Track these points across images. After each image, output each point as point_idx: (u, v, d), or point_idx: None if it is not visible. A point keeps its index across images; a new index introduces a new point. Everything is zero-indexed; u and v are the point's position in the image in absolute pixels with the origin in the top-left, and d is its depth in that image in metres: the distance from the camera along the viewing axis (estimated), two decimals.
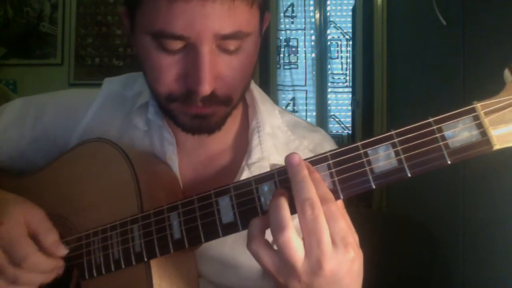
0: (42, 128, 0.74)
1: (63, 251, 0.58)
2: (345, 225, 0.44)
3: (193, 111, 0.59)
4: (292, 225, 0.43)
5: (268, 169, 0.65)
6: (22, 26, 2.78)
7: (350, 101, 2.98)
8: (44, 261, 0.57)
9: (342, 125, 3.15)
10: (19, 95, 2.68)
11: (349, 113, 3.03)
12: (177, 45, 0.55)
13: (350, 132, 2.98)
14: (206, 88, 0.55)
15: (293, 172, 0.45)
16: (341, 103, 3.18)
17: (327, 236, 0.43)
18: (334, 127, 3.12)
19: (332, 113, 3.18)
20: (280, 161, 0.67)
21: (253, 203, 0.49)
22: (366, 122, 2.51)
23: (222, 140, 0.70)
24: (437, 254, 1.33)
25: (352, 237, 0.45)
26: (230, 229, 0.50)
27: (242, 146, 0.69)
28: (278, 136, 0.70)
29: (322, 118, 3.14)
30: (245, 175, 0.65)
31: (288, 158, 0.46)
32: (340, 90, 3.18)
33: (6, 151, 0.75)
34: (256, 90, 0.73)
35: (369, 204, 2.25)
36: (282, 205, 0.44)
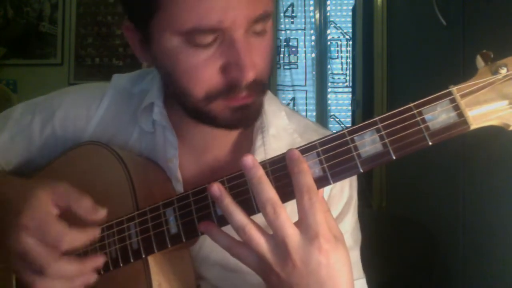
0: (51, 132, 0.72)
1: (102, 212, 0.54)
2: (319, 218, 0.46)
3: (237, 103, 0.58)
4: (249, 222, 0.47)
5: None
6: (22, 26, 2.78)
7: (350, 101, 2.98)
8: (80, 235, 0.53)
9: (342, 125, 3.15)
10: (19, 95, 2.68)
11: (349, 113, 3.03)
12: (209, 38, 0.54)
13: None
14: (250, 74, 0.54)
15: (250, 175, 0.48)
16: (341, 103, 3.18)
17: (292, 229, 0.46)
18: (334, 127, 3.12)
19: (332, 113, 3.18)
20: None
21: (247, 195, 0.50)
22: None
23: (226, 141, 0.69)
24: (437, 254, 1.33)
25: (328, 230, 0.46)
26: (225, 221, 0.51)
27: (245, 147, 0.69)
28: (283, 138, 0.69)
29: (322, 118, 3.14)
30: None
31: (242, 162, 0.48)
32: (340, 90, 3.18)
33: (14, 160, 0.74)
34: None
35: (369, 204, 2.25)
36: (232, 211, 0.48)
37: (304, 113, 3.20)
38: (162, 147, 0.68)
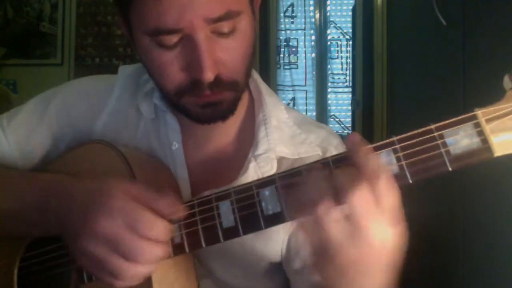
0: (65, 123, 0.71)
1: (182, 207, 0.52)
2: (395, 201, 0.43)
3: (203, 100, 0.60)
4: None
5: (275, 161, 0.67)
6: (22, 26, 2.78)
7: (350, 101, 2.98)
8: (166, 226, 0.50)
9: (342, 125, 3.15)
10: (19, 95, 2.68)
11: (349, 113, 3.03)
12: (173, 39, 0.56)
13: (350, 132, 2.98)
14: (208, 75, 0.55)
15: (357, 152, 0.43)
16: (341, 103, 3.18)
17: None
18: (334, 127, 3.12)
19: (332, 113, 3.18)
20: (286, 153, 0.68)
21: (254, 208, 0.49)
22: (366, 122, 2.51)
23: (229, 132, 0.70)
24: (437, 254, 1.33)
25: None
26: (230, 233, 0.50)
27: (248, 138, 0.69)
28: (284, 130, 0.70)
29: (322, 118, 3.14)
30: (251, 166, 0.65)
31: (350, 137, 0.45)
32: (340, 90, 3.17)
33: (40, 152, 0.72)
34: (262, 84, 0.73)
35: None
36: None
37: (304, 113, 3.20)
38: (164, 131, 0.68)
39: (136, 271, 0.49)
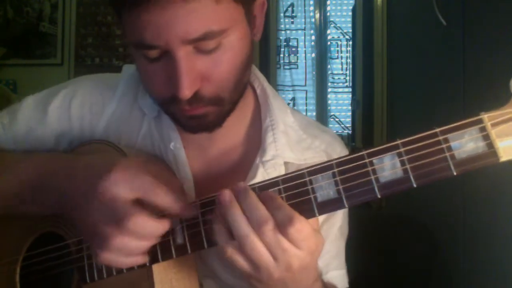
0: (68, 120, 0.71)
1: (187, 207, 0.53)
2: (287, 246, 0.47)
3: (187, 113, 0.59)
4: (252, 230, 0.47)
5: (282, 167, 0.66)
6: (22, 26, 2.78)
7: (350, 101, 2.98)
8: (169, 194, 0.52)
9: (342, 125, 3.15)
10: (19, 95, 2.68)
11: (349, 113, 3.03)
12: (155, 53, 0.55)
13: (350, 132, 2.98)
14: (185, 93, 0.54)
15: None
16: (341, 103, 3.18)
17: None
18: (334, 127, 3.12)
19: (332, 113, 3.18)
20: (293, 158, 0.67)
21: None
22: (366, 122, 2.51)
23: (233, 136, 0.69)
24: (437, 254, 1.33)
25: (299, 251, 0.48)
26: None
27: (254, 142, 0.69)
28: (291, 134, 0.70)
29: (322, 118, 3.13)
30: (259, 172, 0.65)
31: (219, 197, 0.49)
32: (340, 90, 3.17)
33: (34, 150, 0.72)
34: (269, 87, 0.72)
35: (369, 204, 2.25)
36: (240, 219, 0.47)
37: (304, 113, 3.19)
38: (166, 131, 0.68)
39: (121, 241, 0.50)
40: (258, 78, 0.73)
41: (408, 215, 1.68)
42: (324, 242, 0.50)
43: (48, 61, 2.77)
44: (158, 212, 0.51)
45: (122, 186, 0.50)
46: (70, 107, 0.71)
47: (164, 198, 0.51)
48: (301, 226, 0.46)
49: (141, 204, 0.50)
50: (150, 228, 0.50)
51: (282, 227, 0.46)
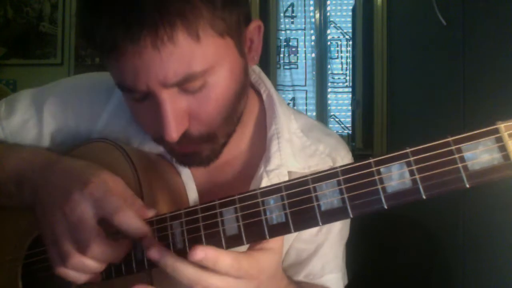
0: (64, 118, 0.70)
1: (152, 212, 0.53)
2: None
3: (177, 152, 0.59)
4: (203, 272, 0.47)
5: (286, 177, 0.65)
6: (22, 26, 2.78)
7: (350, 101, 2.98)
8: (135, 220, 0.51)
9: (342, 125, 3.15)
10: None
11: (349, 113, 3.03)
12: (137, 95, 0.54)
13: (350, 132, 2.98)
14: (172, 136, 0.53)
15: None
16: (341, 103, 3.17)
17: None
18: (334, 127, 3.12)
19: (332, 113, 3.18)
20: (297, 168, 0.66)
21: (259, 217, 0.48)
22: (366, 122, 2.51)
23: (237, 143, 0.68)
24: (437, 254, 1.33)
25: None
26: (234, 241, 0.49)
27: (258, 150, 0.68)
28: (295, 142, 0.69)
29: (322, 118, 3.13)
30: (264, 182, 0.63)
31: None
32: (340, 90, 3.17)
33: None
34: (275, 93, 0.70)
35: None
36: (182, 267, 0.47)
37: (304, 113, 3.19)
38: None
39: (80, 261, 0.51)
40: (265, 83, 0.71)
41: (408, 215, 1.68)
42: (270, 261, 0.50)
43: (48, 61, 2.77)
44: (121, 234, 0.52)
45: (90, 205, 0.51)
46: (66, 108, 0.70)
47: (126, 223, 0.51)
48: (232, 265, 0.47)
49: (107, 222, 0.51)
50: (108, 256, 0.51)
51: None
